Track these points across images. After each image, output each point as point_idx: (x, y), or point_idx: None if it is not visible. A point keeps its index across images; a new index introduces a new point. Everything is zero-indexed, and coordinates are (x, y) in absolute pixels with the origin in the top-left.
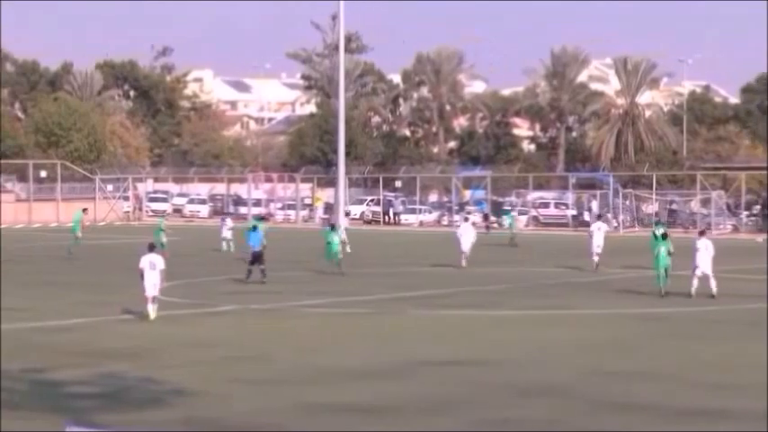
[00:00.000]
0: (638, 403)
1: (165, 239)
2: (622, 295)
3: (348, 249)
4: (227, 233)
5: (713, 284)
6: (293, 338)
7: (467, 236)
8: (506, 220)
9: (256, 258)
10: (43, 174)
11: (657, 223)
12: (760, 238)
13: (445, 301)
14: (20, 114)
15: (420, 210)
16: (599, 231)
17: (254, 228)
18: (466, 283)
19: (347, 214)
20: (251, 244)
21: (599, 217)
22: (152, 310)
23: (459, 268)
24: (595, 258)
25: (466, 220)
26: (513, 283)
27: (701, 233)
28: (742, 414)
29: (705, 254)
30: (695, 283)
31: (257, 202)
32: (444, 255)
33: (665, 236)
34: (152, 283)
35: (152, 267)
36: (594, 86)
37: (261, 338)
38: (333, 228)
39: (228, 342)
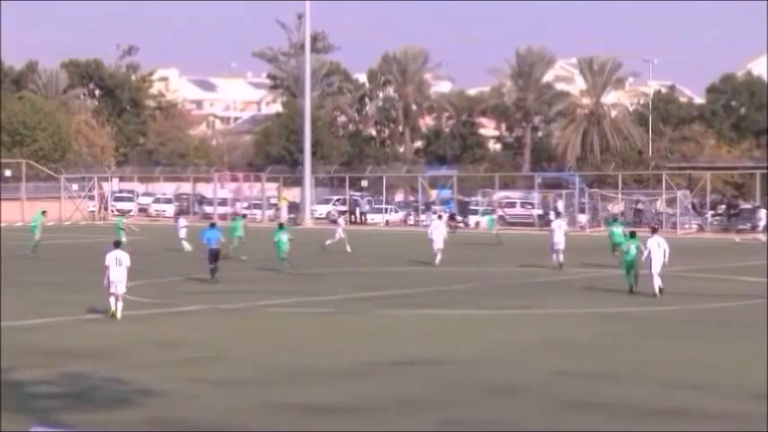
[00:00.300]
0: (602, 403)
1: (124, 239)
2: (587, 294)
3: (348, 249)
4: (182, 232)
5: (657, 282)
6: (260, 338)
7: (438, 233)
8: (485, 221)
9: (215, 256)
10: (8, 173)
11: (614, 221)
12: (762, 236)
13: (412, 300)
14: None
15: (386, 209)
16: (559, 229)
17: (212, 225)
18: (432, 282)
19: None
20: (206, 242)
21: (558, 215)
22: (117, 307)
23: (432, 266)
24: (560, 257)
25: (440, 217)
26: (478, 283)
27: (653, 230)
28: (698, 414)
29: (657, 252)
30: (656, 280)
31: (223, 202)
32: (411, 254)
33: (633, 234)
34: (118, 280)
35: (118, 264)
36: (560, 86)
37: (227, 338)
38: (281, 227)
39: (195, 342)
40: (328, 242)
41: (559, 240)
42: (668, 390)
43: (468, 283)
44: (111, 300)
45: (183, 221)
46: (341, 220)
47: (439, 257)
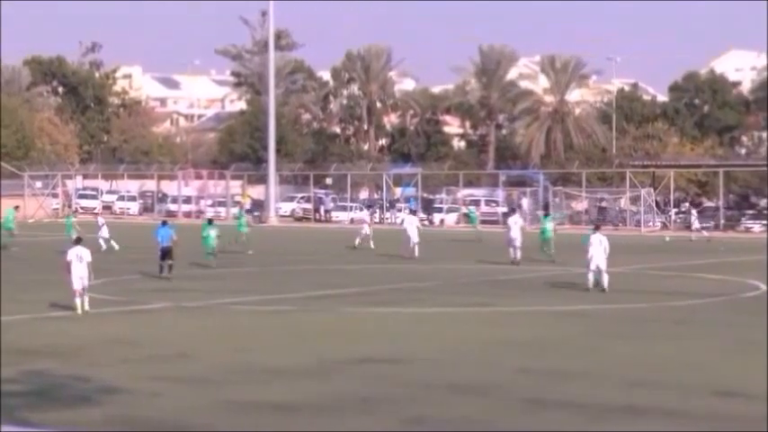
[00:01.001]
0: (566, 401)
1: (74, 236)
2: (548, 291)
3: (372, 245)
4: (103, 231)
5: (605, 279)
6: (222, 337)
7: (413, 228)
8: (469, 217)
9: (165, 254)
10: None
11: (546, 216)
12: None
13: (372, 298)
14: None
15: (351, 207)
16: (515, 225)
17: (164, 223)
18: (393, 280)
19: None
20: (159, 240)
21: (513, 211)
22: (81, 304)
23: (412, 259)
24: (517, 254)
25: (413, 213)
26: (438, 280)
27: (596, 228)
28: (661, 411)
29: (599, 248)
30: (590, 277)
31: (187, 200)
32: (374, 251)
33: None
34: (79, 276)
35: (79, 260)
36: (524, 84)
37: (190, 336)
38: (210, 222)
39: (157, 340)
40: (357, 241)
41: (516, 236)
42: (630, 388)
43: (429, 281)
44: (77, 299)
45: (101, 220)
46: (366, 217)
47: (417, 251)
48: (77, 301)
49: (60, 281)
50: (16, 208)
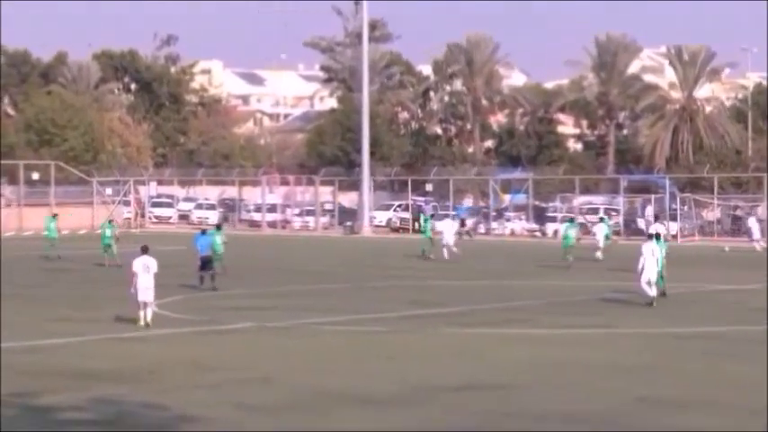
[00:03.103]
0: None
1: (115, 249)
2: (662, 312)
3: (455, 250)
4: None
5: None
6: (307, 359)
7: (449, 232)
8: (603, 230)
9: (205, 264)
10: (35, 176)
11: (571, 221)
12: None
13: (473, 318)
14: (9, 110)
15: (453, 216)
16: (600, 233)
17: (203, 232)
18: (494, 298)
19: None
20: (198, 249)
21: (601, 219)
22: (143, 317)
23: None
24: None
25: (454, 218)
26: (544, 299)
27: (650, 236)
28: None
29: (651, 259)
30: (651, 290)
31: (272, 208)
32: (476, 266)
33: (658, 236)
34: (145, 287)
35: (146, 270)
36: (647, 78)
37: (272, 359)
38: (218, 228)
39: (236, 363)
40: (455, 250)
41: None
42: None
43: (536, 299)
44: (141, 311)
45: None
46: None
47: (446, 253)
48: (141, 313)
49: (124, 297)
50: (55, 216)
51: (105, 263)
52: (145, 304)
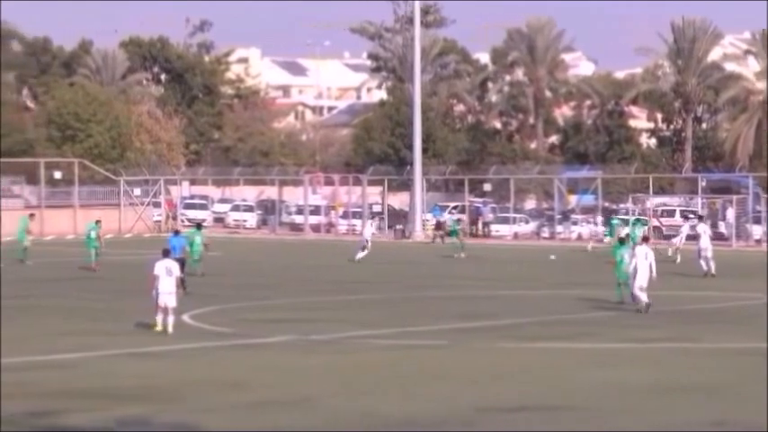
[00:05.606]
0: None
1: (97, 252)
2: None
3: (462, 255)
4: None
5: (645, 297)
6: (350, 377)
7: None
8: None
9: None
10: (57, 175)
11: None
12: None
13: (532, 331)
14: (29, 103)
15: (514, 219)
16: (705, 234)
17: (176, 233)
18: (556, 309)
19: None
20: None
21: (700, 218)
22: (162, 322)
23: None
24: (709, 264)
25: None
26: (615, 310)
27: (644, 239)
28: None
29: (644, 263)
30: (643, 296)
31: (315, 210)
32: (543, 275)
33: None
34: (167, 292)
35: (168, 274)
36: (729, 68)
37: (312, 377)
38: (199, 227)
39: (272, 381)
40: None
41: (706, 246)
42: None
43: (603, 311)
44: (159, 316)
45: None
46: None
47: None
48: (159, 318)
49: (149, 308)
50: (31, 216)
51: (92, 266)
52: (166, 309)
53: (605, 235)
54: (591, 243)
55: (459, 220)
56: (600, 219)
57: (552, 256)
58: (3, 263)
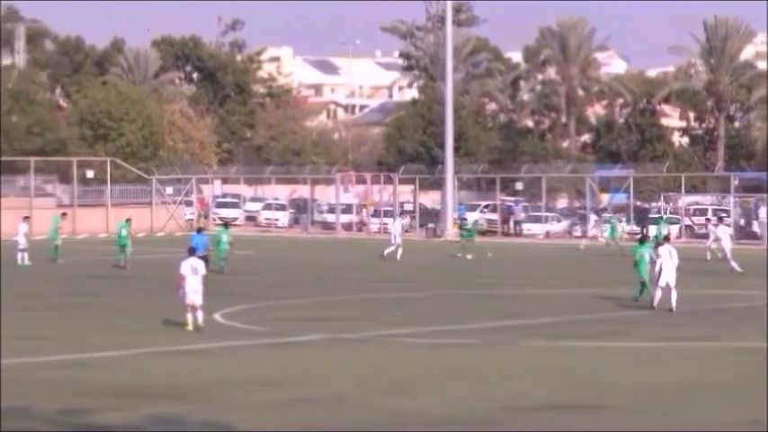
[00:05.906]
0: None
1: (130, 251)
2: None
3: (468, 257)
4: (22, 242)
5: (674, 297)
6: (383, 376)
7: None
8: (729, 233)
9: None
10: (90, 174)
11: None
12: None
13: (563, 329)
14: (61, 102)
15: (546, 218)
16: (725, 235)
17: (199, 230)
18: (588, 308)
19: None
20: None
21: (720, 219)
22: (193, 320)
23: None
24: (733, 264)
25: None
26: (645, 309)
27: (665, 239)
28: None
29: (669, 262)
30: (658, 293)
31: (347, 209)
32: (573, 273)
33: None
34: (194, 290)
35: (194, 272)
36: (762, 66)
37: (344, 376)
38: (226, 226)
39: (305, 380)
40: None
41: (728, 247)
42: None
43: (635, 310)
44: (189, 315)
45: (24, 227)
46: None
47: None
48: (189, 316)
49: (180, 306)
50: (63, 215)
51: (121, 265)
52: (194, 307)
53: (604, 234)
54: (584, 242)
55: (476, 222)
56: (597, 217)
57: (582, 245)
58: (35, 261)
